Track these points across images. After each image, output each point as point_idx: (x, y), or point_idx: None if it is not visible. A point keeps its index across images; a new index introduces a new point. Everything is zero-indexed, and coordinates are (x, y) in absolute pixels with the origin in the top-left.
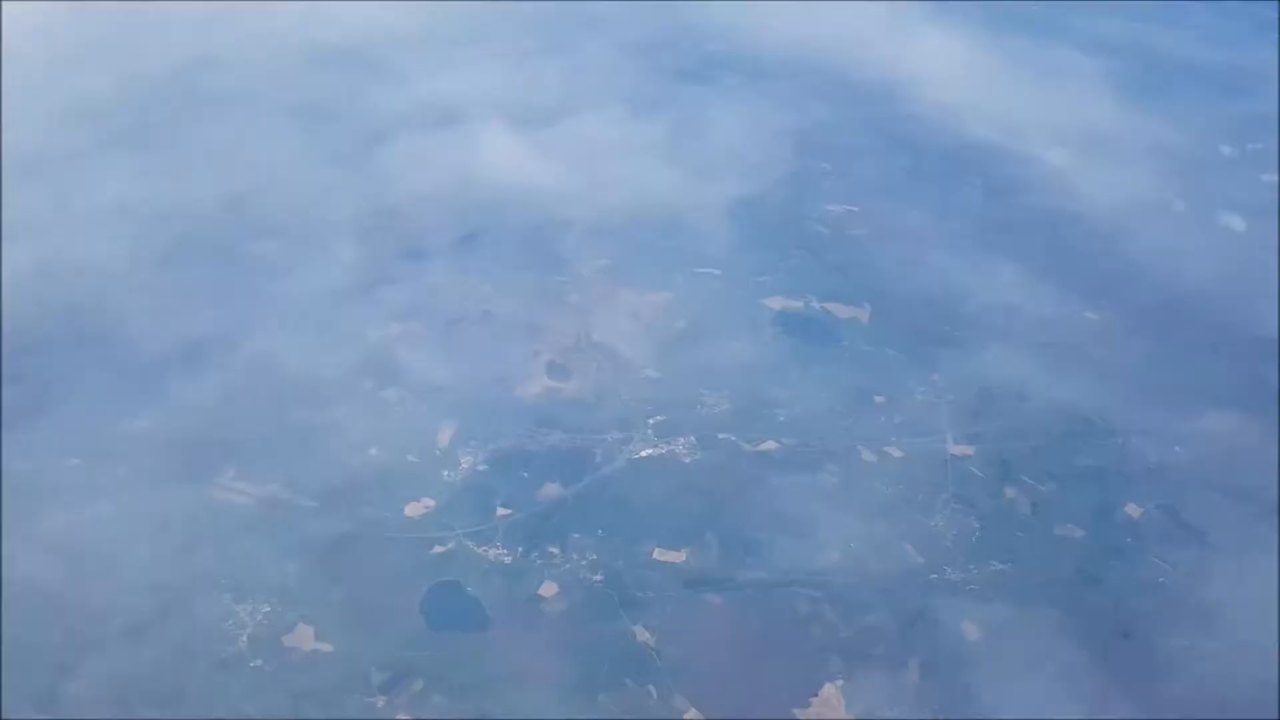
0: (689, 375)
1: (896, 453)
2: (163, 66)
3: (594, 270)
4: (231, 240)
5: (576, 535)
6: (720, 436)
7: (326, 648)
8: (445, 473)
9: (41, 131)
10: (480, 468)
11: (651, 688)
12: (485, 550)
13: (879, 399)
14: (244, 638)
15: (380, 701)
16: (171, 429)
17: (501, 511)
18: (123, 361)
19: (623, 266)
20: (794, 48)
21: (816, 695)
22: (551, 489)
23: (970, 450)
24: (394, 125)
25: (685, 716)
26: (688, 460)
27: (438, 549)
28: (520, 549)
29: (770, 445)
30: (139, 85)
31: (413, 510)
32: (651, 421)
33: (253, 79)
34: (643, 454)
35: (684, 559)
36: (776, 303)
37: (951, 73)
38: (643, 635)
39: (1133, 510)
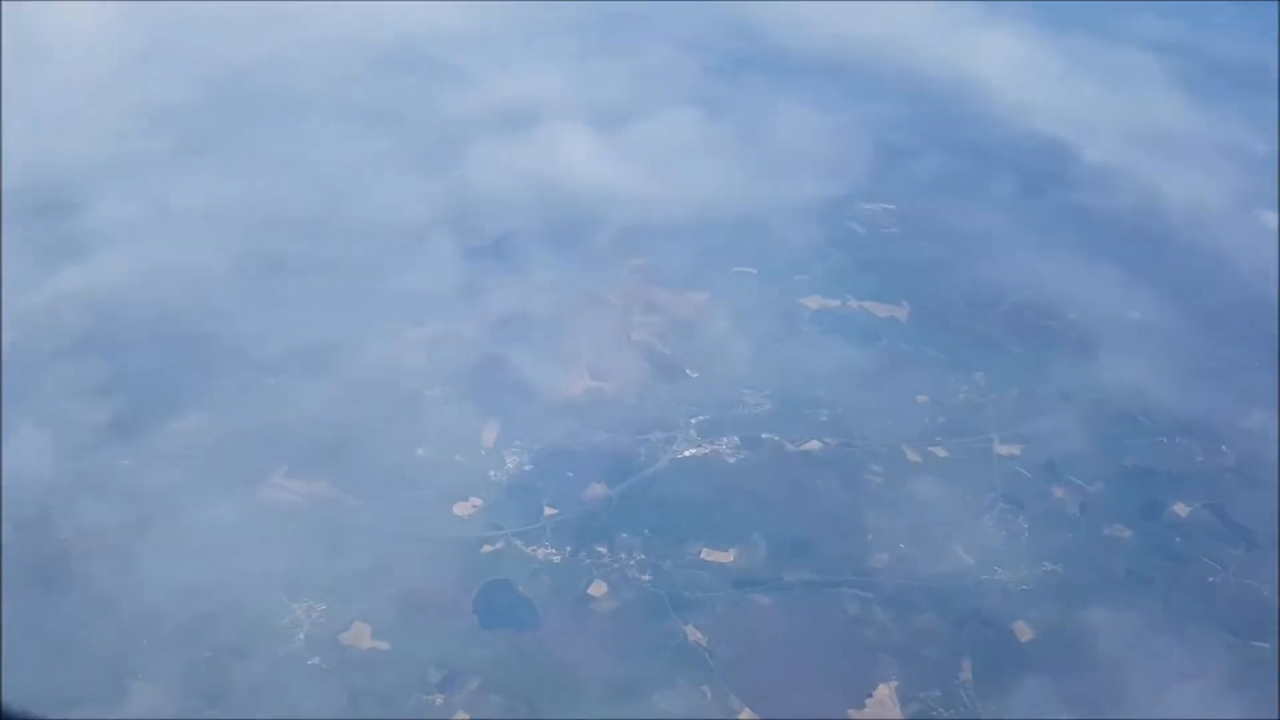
0: (729, 375)
1: (941, 453)
2: (228, 69)
3: (636, 268)
4: (323, 244)
5: (624, 535)
6: (763, 436)
7: (383, 645)
8: (492, 472)
9: (120, 135)
10: (526, 467)
11: (706, 688)
12: (534, 550)
13: (921, 399)
14: (301, 636)
15: (439, 699)
16: (220, 429)
17: (549, 511)
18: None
19: (682, 266)
20: (852, 47)
21: (871, 696)
22: (597, 489)
23: (1017, 450)
24: (468, 128)
25: (740, 717)
26: (731, 460)
27: (487, 548)
28: (569, 548)
29: (814, 445)
30: (209, 88)
31: (461, 509)
32: (694, 421)
33: (321, 82)
34: (686, 454)
35: (732, 559)
36: (814, 301)
37: (1012, 71)
38: (694, 635)
39: (1180, 510)
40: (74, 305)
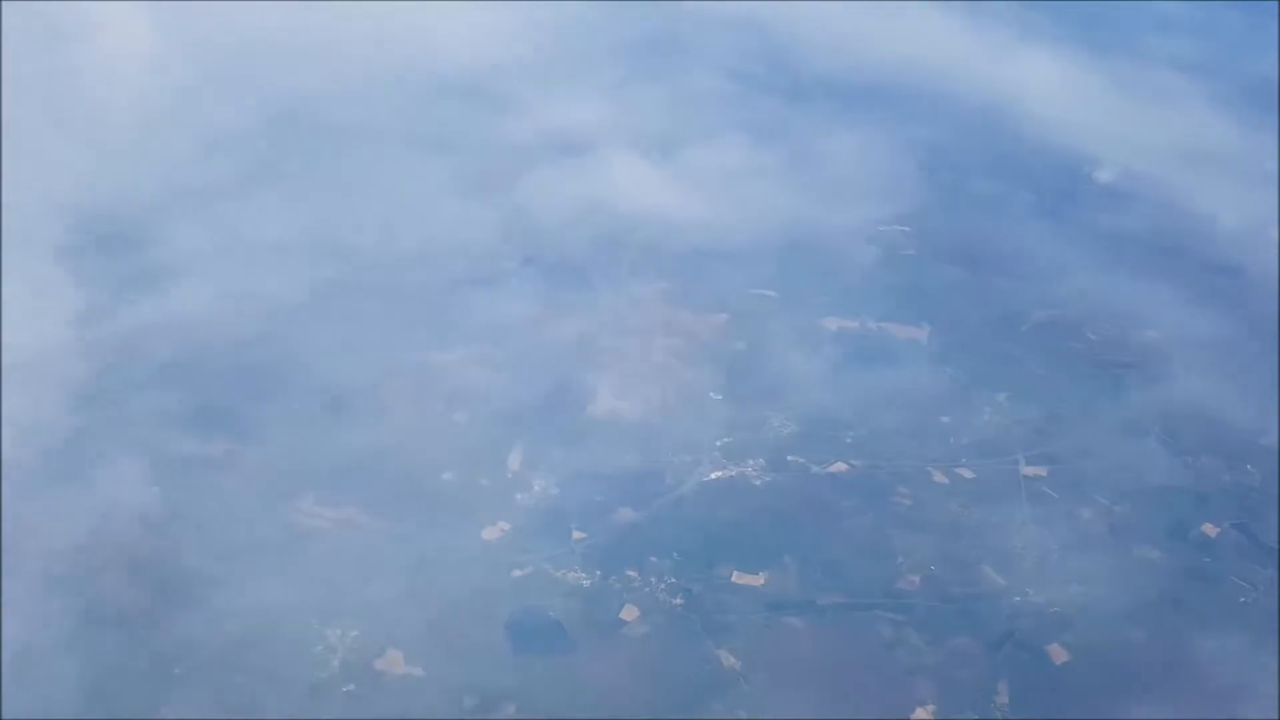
0: (752, 397)
1: (968, 474)
2: (281, 100)
3: (657, 291)
4: (388, 272)
5: (653, 558)
6: (789, 459)
7: (417, 672)
8: (518, 496)
9: (183, 166)
10: (552, 491)
11: (742, 713)
12: (564, 574)
13: (945, 419)
14: (335, 662)
15: None
16: (251, 454)
17: (577, 535)
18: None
19: (703, 289)
20: (892, 70)
21: None
22: (624, 512)
23: (1043, 471)
24: (521, 155)
25: None
26: (758, 483)
27: (517, 572)
28: (598, 572)
29: (840, 467)
30: (264, 119)
31: (489, 534)
32: (718, 444)
33: (373, 112)
34: (712, 476)
35: (762, 582)
36: (833, 323)
37: (1055, 93)
38: (729, 660)
39: (1209, 530)
40: (155, 335)
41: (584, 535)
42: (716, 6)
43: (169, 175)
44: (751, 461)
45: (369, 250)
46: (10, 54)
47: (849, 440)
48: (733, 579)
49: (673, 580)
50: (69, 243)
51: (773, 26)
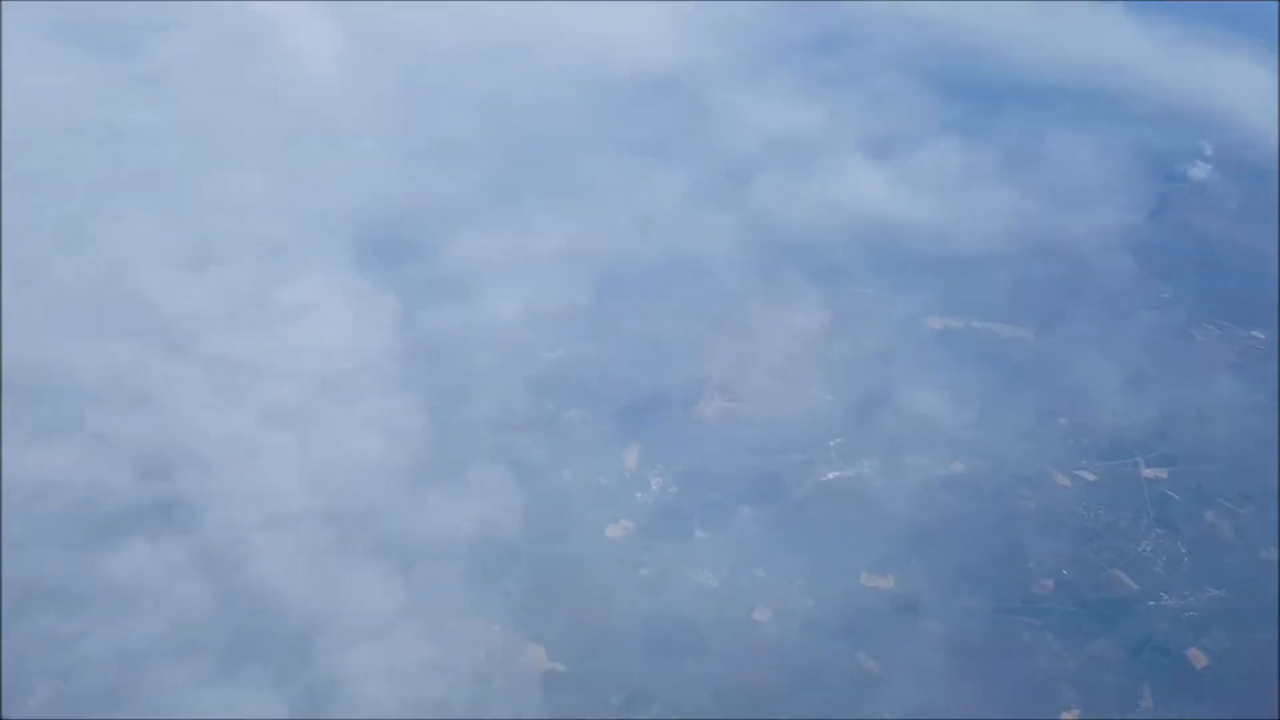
0: (860, 396)
1: (1090, 476)
2: (486, 104)
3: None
4: (657, 281)
5: (780, 558)
6: (905, 458)
7: (560, 668)
8: (638, 494)
9: (426, 173)
10: (670, 490)
11: (886, 714)
12: (692, 573)
13: (1062, 421)
14: (482, 655)
15: None
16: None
17: (700, 534)
18: None
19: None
20: (1085, 69)
21: None
22: (745, 511)
23: (1163, 473)
24: (749, 160)
25: None
26: (877, 484)
27: (644, 571)
28: (725, 572)
29: (959, 468)
30: (479, 124)
31: (613, 532)
32: (832, 444)
33: (580, 116)
34: (830, 476)
35: (892, 584)
36: (937, 321)
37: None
38: (868, 663)
39: None
40: (469, 343)
41: (707, 534)
42: (884, 5)
43: (422, 185)
44: (867, 461)
45: (634, 260)
46: (214, 63)
47: (965, 440)
48: (862, 581)
49: (802, 581)
50: (359, 253)
51: (951, 24)
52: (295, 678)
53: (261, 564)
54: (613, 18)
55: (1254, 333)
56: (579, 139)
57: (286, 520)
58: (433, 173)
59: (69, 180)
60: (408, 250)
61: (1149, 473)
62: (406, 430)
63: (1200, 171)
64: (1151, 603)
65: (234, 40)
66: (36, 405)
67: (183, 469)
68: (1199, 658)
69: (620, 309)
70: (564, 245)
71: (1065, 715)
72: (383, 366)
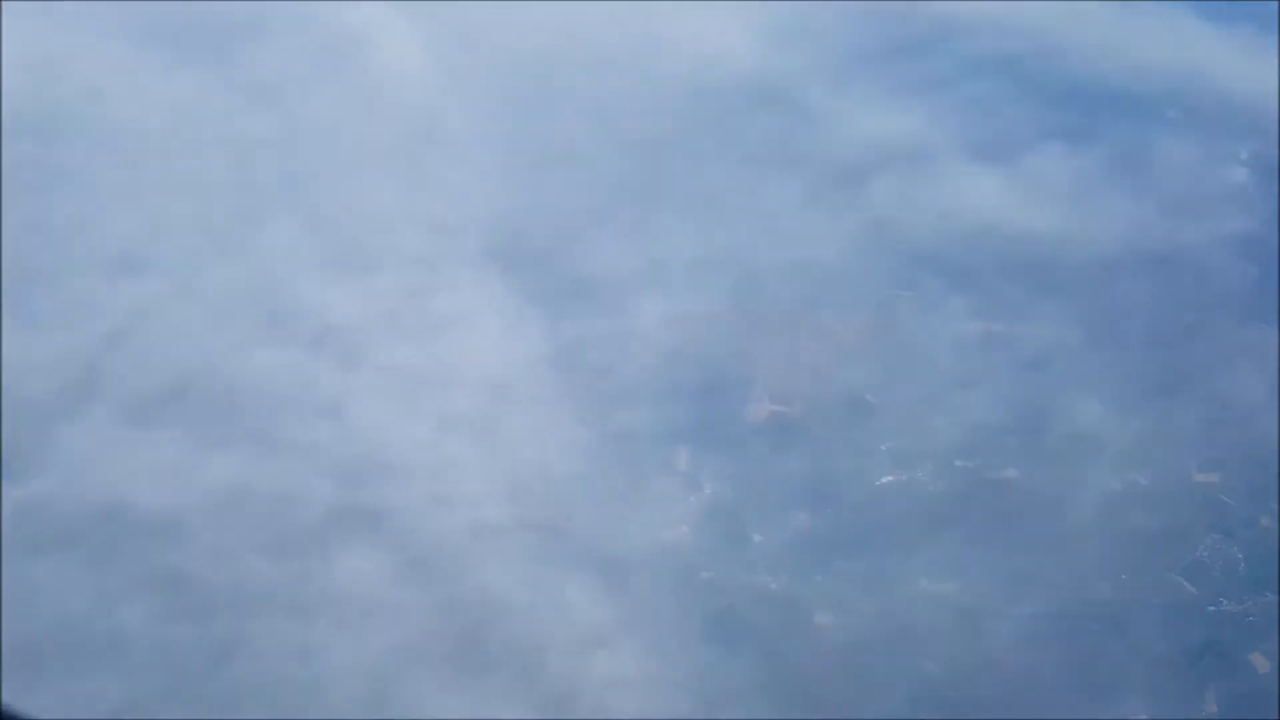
0: (910, 401)
1: (1142, 480)
2: (590, 112)
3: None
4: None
5: (839, 563)
6: (957, 464)
7: (630, 672)
8: (691, 498)
9: (550, 182)
10: (724, 493)
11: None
12: (752, 578)
13: (1109, 425)
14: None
15: None
16: None
17: (757, 538)
18: None
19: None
20: (1178, 76)
21: None
22: (801, 515)
23: (1214, 478)
24: (855, 166)
25: None
26: (931, 488)
27: (705, 574)
28: (785, 577)
29: (1011, 473)
30: (589, 132)
31: (669, 535)
32: (884, 448)
33: (685, 123)
34: (884, 481)
35: (952, 589)
36: (979, 325)
37: None
38: (929, 666)
39: None
40: (622, 350)
41: (764, 539)
42: (957, 6)
43: (547, 194)
44: (920, 466)
45: (764, 268)
46: (316, 70)
47: (1014, 445)
48: (921, 586)
49: (862, 586)
50: (498, 262)
51: (1030, 29)
52: (535, 686)
53: (480, 573)
54: (699, 23)
55: None
56: (691, 146)
57: (492, 530)
58: (556, 182)
59: (207, 190)
60: (543, 259)
61: (1200, 477)
62: (575, 440)
63: None
64: (1211, 608)
65: (330, 46)
66: (221, 413)
67: (378, 477)
68: (1262, 662)
69: (759, 315)
70: (699, 254)
71: None
72: (540, 375)
